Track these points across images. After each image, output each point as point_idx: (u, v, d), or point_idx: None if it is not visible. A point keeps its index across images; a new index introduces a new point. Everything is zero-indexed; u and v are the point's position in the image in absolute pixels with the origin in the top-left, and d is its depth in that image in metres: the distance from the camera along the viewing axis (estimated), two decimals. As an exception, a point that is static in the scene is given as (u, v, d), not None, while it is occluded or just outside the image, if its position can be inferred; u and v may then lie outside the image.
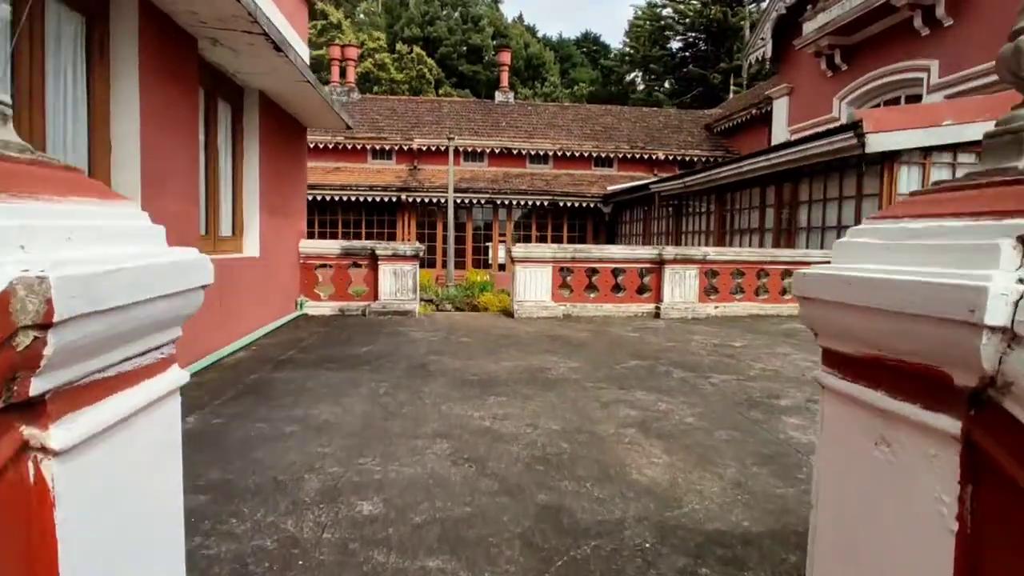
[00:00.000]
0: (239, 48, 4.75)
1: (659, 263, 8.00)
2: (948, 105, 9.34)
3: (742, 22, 40.29)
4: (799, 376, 4.74)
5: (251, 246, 6.02)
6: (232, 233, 5.84)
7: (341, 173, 21.75)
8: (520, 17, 54.18)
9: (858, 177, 9.54)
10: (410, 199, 20.10)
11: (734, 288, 8.32)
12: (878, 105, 13.59)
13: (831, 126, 14.75)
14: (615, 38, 65.47)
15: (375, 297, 7.61)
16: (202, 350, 4.74)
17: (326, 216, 20.85)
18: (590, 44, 56.69)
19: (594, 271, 7.98)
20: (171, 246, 1.09)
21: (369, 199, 20.06)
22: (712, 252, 8.06)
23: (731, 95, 30.21)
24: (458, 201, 20.23)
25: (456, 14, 45.42)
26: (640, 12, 45.31)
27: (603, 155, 23.77)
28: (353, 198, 19.94)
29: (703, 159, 23.89)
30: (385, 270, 7.50)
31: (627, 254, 7.95)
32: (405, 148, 23.05)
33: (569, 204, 20.80)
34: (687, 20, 42.77)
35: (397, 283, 7.51)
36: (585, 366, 4.91)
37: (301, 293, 7.54)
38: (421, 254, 7.59)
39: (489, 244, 21.52)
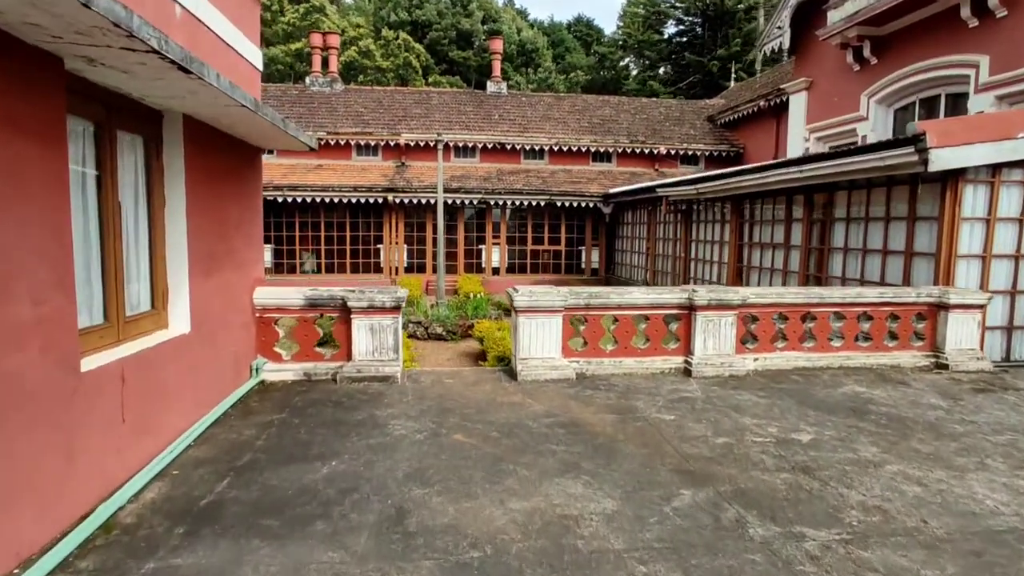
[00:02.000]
0: (130, 69, 3.26)
1: (689, 308, 6.62)
2: (1020, 113, 7.95)
3: (739, 5, 38.60)
4: (919, 525, 3.38)
5: (179, 318, 4.57)
6: (151, 306, 4.38)
7: (323, 171, 20.16)
8: (510, 1, 52.01)
9: (911, 196, 8.15)
10: (397, 200, 18.58)
11: (775, 335, 6.95)
12: (912, 104, 12.18)
13: (857, 125, 13.37)
14: (608, 22, 63.32)
15: (348, 356, 6.18)
16: (89, 497, 3.32)
17: (307, 218, 19.34)
18: (583, 28, 54.72)
19: (612, 320, 6.59)
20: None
21: (353, 200, 18.51)
22: (751, 294, 6.67)
23: (732, 83, 28.66)
24: (448, 201, 18.74)
25: (446, -3, 43.30)
26: (634, -5, 43.44)
27: (602, 150, 22.31)
28: (336, 199, 18.38)
29: (707, 153, 22.51)
30: (360, 325, 6.07)
31: (652, 298, 6.55)
32: (392, 143, 21.48)
33: (567, 204, 19.36)
34: (683, 4, 40.95)
35: (375, 340, 6.09)
36: (623, 508, 3.52)
37: (258, 354, 6.10)
38: (402, 303, 6.15)
39: (482, 247, 20.09)
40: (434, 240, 19.56)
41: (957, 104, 11.15)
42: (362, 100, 23.09)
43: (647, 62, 44.57)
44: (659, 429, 4.87)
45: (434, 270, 19.96)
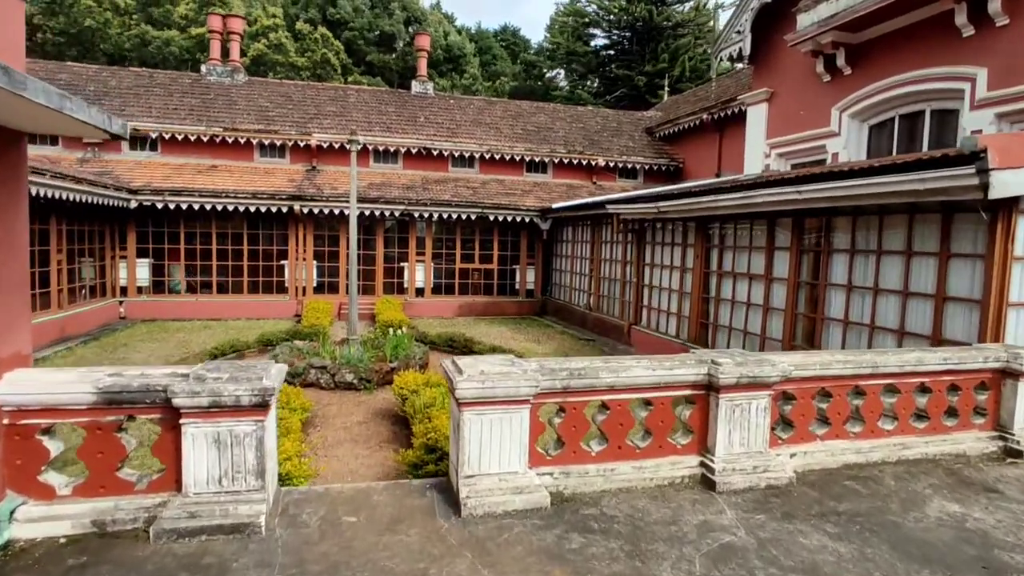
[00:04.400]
0: None
1: (707, 388, 4.52)
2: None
3: (666, 22, 38.04)
4: None
5: None
6: None
7: (218, 174, 17.01)
8: (437, 4, 49.59)
9: (944, 227, 6.49)
10: (305, 209, 15.75)
11: (817, 418, 4.98)
12: (891, 120, 10.81)
13: (827, 142, 11.93)
14: (534, 33, 62.15)
15: (176, 486, 3.62)
16: None
17: (195, 229, 16.12)
18: (509, 37, 53.09)
19: (600, 406, 4.38)
20: None
21: (252, 208, 15.51)
22: (791, 365, 4.65)
23: (666, 96, 27.54)
24: (365, 213, 16.13)
25: (365, -7, 40.33)
26: (563, 7, 42.22)
27: (537, 159, 20.34)
28: (232, 207, 15.33)
29: (646, 167, 21.01)
30: (196, 434, 3.53)
31: (659, 375, 4.39)
32: (302, 144, 18.59)
33: (500, 218, 17.15)
34: (611, 17, 39.98)
35: (224, 460, 3.57)
36: None
37: (9, 489, 3.43)
38: (270, 398, 3.65)
39: (404, 265, 17.55)
40: (349, 257, 16.87)
41: (945, 121, 9.83)
42: (268, 94, 19.98)
43: (575, 74, 43.42)
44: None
45: (348, 290, 17.19)
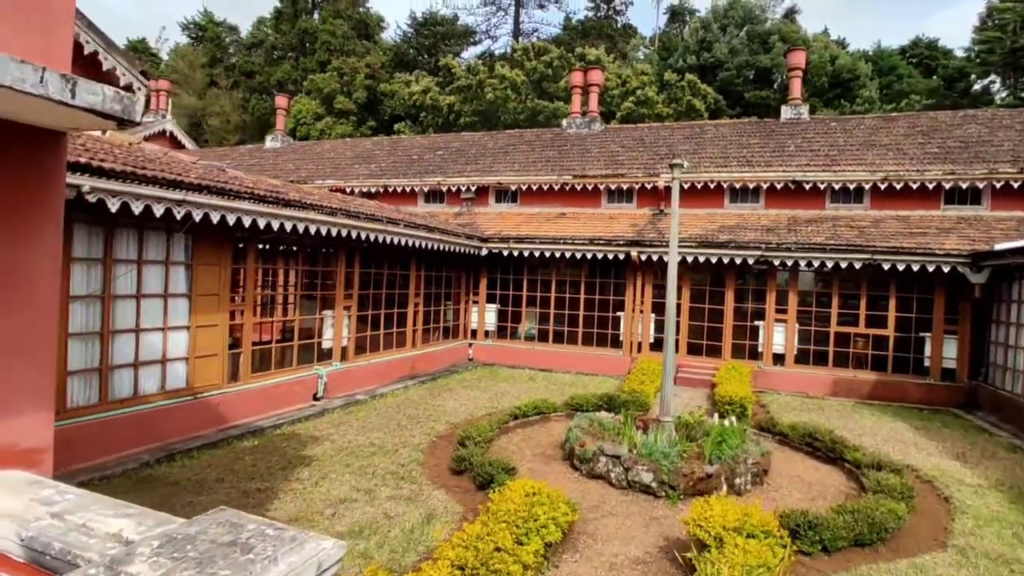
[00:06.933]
0: None
1: None
2: None
3: None
4: None
5: None
6: None
7: (565, 221, 16.63)
8: (825, 31, 43.36)
9: None
10: (643, 256, 13.93)
11: None
12: None
13: None
14: (956, 42, 49.12)
15: None
16: None
17: (537, 277, 15.86)
18: (923, 50, 42.93)
19: None
20: None
21: (589, 255, 14.47)
22: None
23: None
24: (713, 260, 13.45)
25: (741, 32, 37.60)
26: (1003, -5, 31.97)
27: (963, 185, 14.45)
28: (568, 253, 14.58)
29: None
30: None
31: None
32: (648, 187, 17.02)
33: (900, 267, 12.31)
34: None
35: None
36: None
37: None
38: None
39: (760, 323, 14.07)
40: (687, 310, 14.39)
41: None
42: (620, 139, 19.17)
43: (1021, 79, 32.15)
44: None
45: (689, 350, 14.60)
